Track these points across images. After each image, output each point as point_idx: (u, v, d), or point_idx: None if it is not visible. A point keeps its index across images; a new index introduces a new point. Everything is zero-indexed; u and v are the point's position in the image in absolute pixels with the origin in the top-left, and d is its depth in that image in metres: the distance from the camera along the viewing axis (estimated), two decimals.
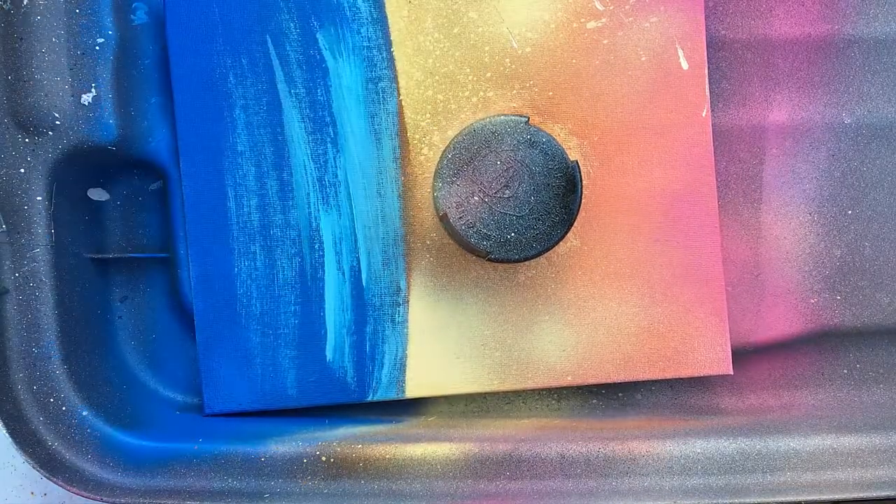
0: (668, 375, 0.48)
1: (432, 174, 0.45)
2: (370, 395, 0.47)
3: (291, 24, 0.46)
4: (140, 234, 0.49)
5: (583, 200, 0.45)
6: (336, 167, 0.47)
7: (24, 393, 0.45)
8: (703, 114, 0.47)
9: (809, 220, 0.50)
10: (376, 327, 0.47)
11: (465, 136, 0.44)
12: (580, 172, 0.44)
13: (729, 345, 0.47)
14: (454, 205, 0.44)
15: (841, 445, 0.46)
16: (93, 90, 0.45)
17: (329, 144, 0.47)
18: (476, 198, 0.44)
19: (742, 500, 0.44)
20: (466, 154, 0.44)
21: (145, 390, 0.50)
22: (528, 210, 0.44)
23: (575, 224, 0.45)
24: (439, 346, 0.47)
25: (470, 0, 0.46)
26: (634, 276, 0.47)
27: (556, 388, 0.49)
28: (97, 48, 0.45)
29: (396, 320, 0.47)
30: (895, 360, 0.51)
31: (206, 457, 0.45)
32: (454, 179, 0.44)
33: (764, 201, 0.50)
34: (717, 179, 0.48)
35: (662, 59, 0.47)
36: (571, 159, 0.44)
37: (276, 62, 0.46)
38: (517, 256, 0.44)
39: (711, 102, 0.48)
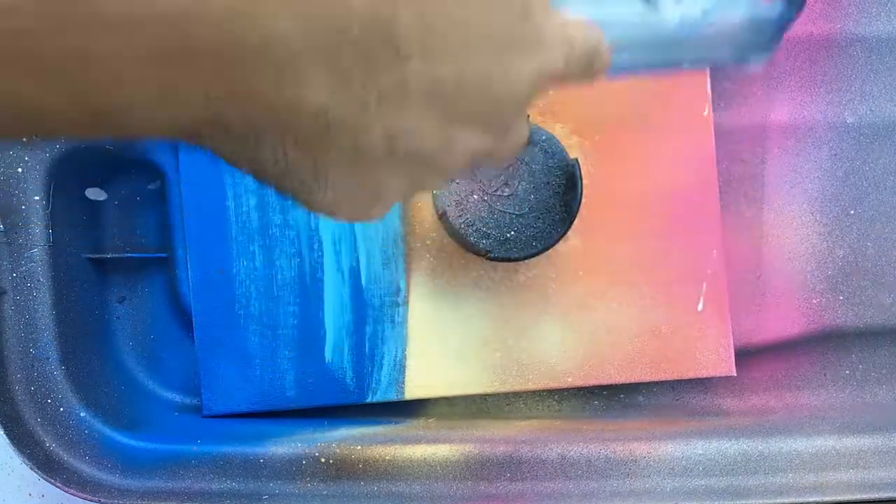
0: (670, 377, 0.47)
1: None
2: (369, 396, 0.47)
3: None
4: (138, 234, 0.49)
5: (583, 199, 0.45)
6: None
7: (21, 394, 0.44)
8: (705, 113, 0.47)
9: (812, 219, 0.50)
10: (376, 328, 0.47)
11: None
12: (580, 171, 0.44)
13: (731, 346, 0.47)
14: (453, 203, 0.44)
15: (843, 446, 0.45)
16: None
17: None
18: (475, 196, 0.44)
19: (744, 502, 0.44)
20: None
21: (144, 391, 0.49)
22: (527, 209, 0.44)
23: (575, 223, 0.45)
24: (439, 346, 0.47)
25: None
26: (636, 277, 0.47)
27: (557, 389, 0.49)
28: None
29: (396, 321, 0.47)
30: None
31: (205, 458, 0.45)
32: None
33: (766, 201, 0.50)
34: (718, 179, 0.48)
35: None
36: (572, 158, 0.44)
37: None
38: (517, 255, 0.44)
39: (713, 101, 0.48)
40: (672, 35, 0.36)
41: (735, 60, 0.41)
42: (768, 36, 0.41)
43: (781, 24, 0.40)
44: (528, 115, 0.30)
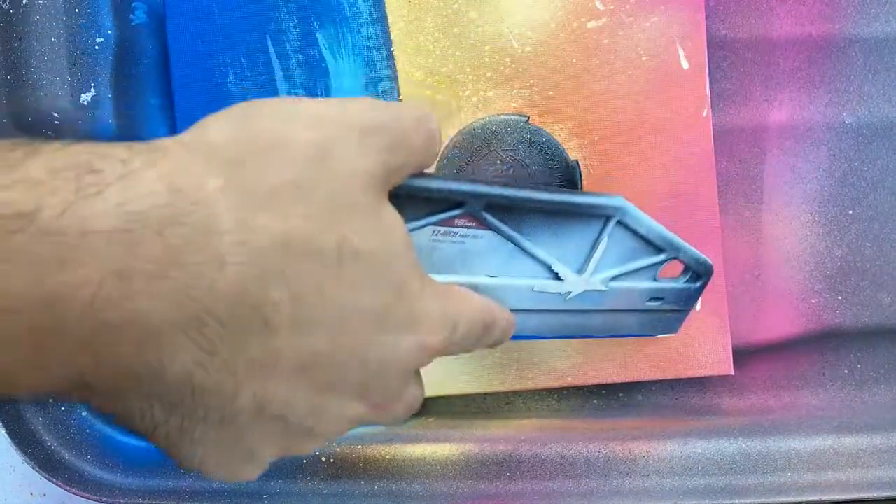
0: (669, 376, 0.47)
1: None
2: None
3: (291, 24, 0.46)
4: None
5: None
6: None
7: None
8: (704, 114, 0.47)
9: (810, 220, 0.50)
10: None
11: (465, 135, 0.44)
12: (580, 172, 0.44)
13: (730, 345, 0.47)
14: None
15: (842, 446, 0.46)
16: (92, 90, 0.45)
17: None
18: None
19: (743, 501, 0.44)
20: (466, 153, 0.44)
21: None
22: None
23: None
24: None
25: None
26: None
27: (557, 388, 0.49)
28: (96, 48, 0.45)
29: None
30: None
31: None
32: None
33: (765, 201, 0.50)
34: (717, 179, 0.48)
35: (663, 59, 0.47)
36: (572, 159, 0.44)
37: (275, 62, 0.46)
38: None
39: (712, 102, 0.48)
40: (576, 306, 0.37)
41: (644, 332, 0.42)
42: (677, 306, 0.42)
43: (688, 296, 0.42)
44: (418, 383, 0.31)
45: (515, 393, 0.50)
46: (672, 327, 0.43)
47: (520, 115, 0.44)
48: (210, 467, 0.26)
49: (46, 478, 0.44)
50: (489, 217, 0.32)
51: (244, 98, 0.46)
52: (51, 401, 0.45)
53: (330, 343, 0.25)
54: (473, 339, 0.30)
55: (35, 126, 0.44)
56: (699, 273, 0.41)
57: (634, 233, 0.37)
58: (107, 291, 0.21)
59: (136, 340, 0.22)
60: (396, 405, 0.29)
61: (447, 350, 0.29)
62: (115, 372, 0.23)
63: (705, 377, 0.49)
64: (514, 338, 0.34)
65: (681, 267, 0.40)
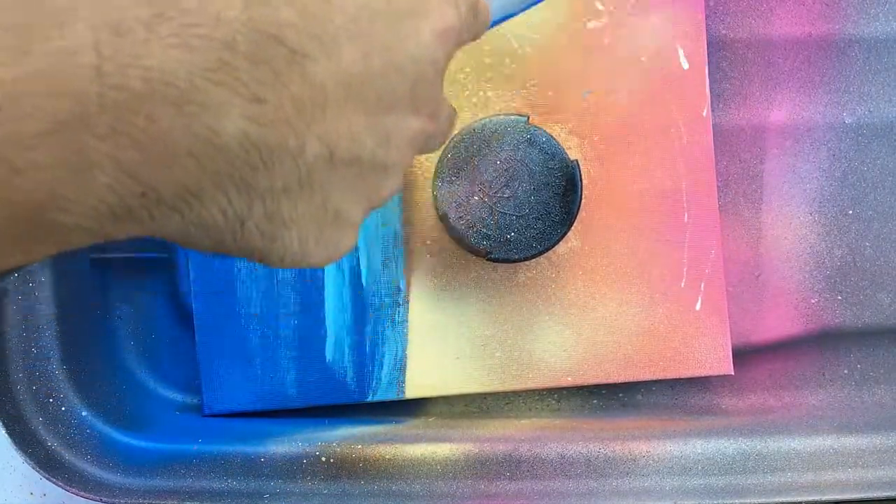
0: (669, 376, 0.47)
1: (432, 174, 0.45)
2: (370, 395, 0.47)
3: None
4: None
5: (583, 200, 0.45)
6: None
7: (23, 393, 0.45)
8: (704, 113, 0.47)
9: (810, 219, 0.50)
10: (376, 327, 0.47)
11: (465, 135, 0.44)
12: (580, 172, 0.44)
13: (730, 345, 0.47)
14: (454, 205, 0.44)
15: (842, 446, 0.46)
16: None
17: None
18: (476, 197, 0.44)
19: (742, 501, 0.44)
20: (466, 154, 0.44)
21: (145, 390, 0.49)
22: (527, 210, 0.44)
23: (575, 224, 0.45)
24: (439, 346, 0.47)
25: None
26: (635, 277, 0.47)
27: (557, 388, 0.49)
28: None
29: (396, 320, 0.47)
30: None
31: (206, 457, 0.45)
32: (454, 179, 0.44)
33: (764, 201, 0.50)
34: (717, 179, 0.48)
35: (663, 59, 0.47)
36: (571, 159, 0.44)
37: None
38: (517, 256, 0.44)
39: (712, 102, 0.48)
40: None
41: None
42: None
43: None
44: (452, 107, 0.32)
45: (515, 393, 0.50)
46: None
47: (520, 115, 0.44)
48: (311, 247, 0.25)
49: (46, 478, 0.44)
50: None
51: None
52: (51, 400, 0.45)
53: (360, 55, 0.23)
54: (471, 19, 0.30)
55: None
56: None
57: None
58: (110, 52, 0.18)
59: (172, 106, 0.19)
60: (442, 112, 0.29)
61: (460, 33, 0.28)
62: (168, 156, 0.20)
63: (705, 377, 0.50)
64: (493, 24, 0.34)
65: None
